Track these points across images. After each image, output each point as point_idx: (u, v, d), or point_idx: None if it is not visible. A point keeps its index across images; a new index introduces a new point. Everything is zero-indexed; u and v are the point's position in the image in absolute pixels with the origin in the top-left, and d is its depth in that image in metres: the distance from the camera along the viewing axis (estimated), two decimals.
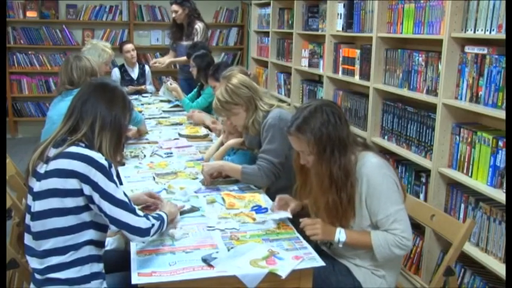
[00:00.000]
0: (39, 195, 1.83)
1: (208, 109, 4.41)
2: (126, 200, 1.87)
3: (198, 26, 5.60)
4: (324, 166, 2.02)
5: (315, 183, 2.09)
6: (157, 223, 1.96)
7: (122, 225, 1.84)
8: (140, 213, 1.92)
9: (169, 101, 5.18)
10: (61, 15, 7.03)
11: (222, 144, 3.16)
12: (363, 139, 3.77)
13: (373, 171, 2.01)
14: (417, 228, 3.08)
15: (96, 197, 1.80)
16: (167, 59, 5.87)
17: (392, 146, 3.47)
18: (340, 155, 2.01)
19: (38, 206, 1.83)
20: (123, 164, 3.08)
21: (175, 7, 5.67)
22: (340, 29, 4.33)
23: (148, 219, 1.92)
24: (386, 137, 3.60)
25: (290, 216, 2.25)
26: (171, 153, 3.38)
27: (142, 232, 1.88)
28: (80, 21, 7.07)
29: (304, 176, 2.20)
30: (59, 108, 3.00)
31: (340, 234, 2.06)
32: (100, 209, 1.82)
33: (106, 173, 1.82)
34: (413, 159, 3.19)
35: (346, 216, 2.05)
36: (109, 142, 1.90)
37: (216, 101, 2.84)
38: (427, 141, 3.11)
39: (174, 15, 5.71)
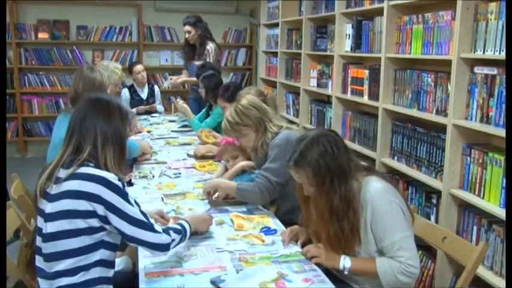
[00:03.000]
0: (51, 217, 1.82)
1: (217, 129, 4.41)
2: (144, 218, 1.87)
3: (210, 46, 5.65)
4: (323, 198, 2.00)
5: (315, 215, 2.07)
6: (177, 237, 1.97)
7: (141, 243, 1.86)
8: (159, 228, 1.92)
9: (183, 121, 5.18)
10: (72, 36, 7.11)
11: (226, 168, 3.18)
12: (372, 160, 3.76)
13: (377, 197, 1.97)
14: (429, 251, 3.04)
15: (113, 217, 1.80)
16: (180, 78, 5.88)
17: (402, 167, 3.44)
18: (340, 184, 1.98)
19: (50, 227, 1.82)
20: (132, 185, 3.08)
21: (188, 28, 5.71)
22: (349, 49, 4.33)
23: (168, 233, 1.93)
24: (396, 158, 3.57)
25: (300, 250, 2.22)
26: (180, 173, 3.38)
27: (163, 248, 1.91)
28: (90, 42, 7.14)
29: (309, 206, 2.17)
30: (60, 132, 3.00)
31: (345, 261, 2.03)
32: (117, 230, 1.82)
33: (121, 192, 1.82)
34: (423, 180, 3.16)
35: (349, 245, 2.02)
36: (113, 155, 1.90)
37: (225, 122, 2.85)
38: (437, 162, 3.08)
39: (187, 35, 5.75)
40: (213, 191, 2.78)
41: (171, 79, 5.95)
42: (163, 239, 1.90)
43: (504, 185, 2.53)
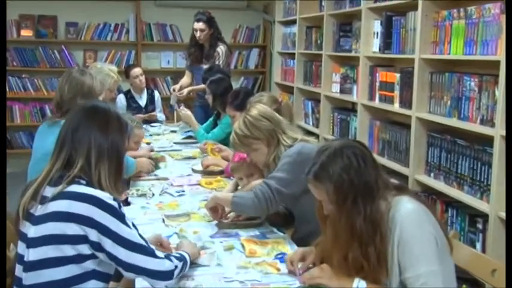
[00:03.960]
0: (34, 242, 1.81)
1: (225, 141, 4.39)
2: (143, 242, 1.87)
3: (221, 49, 5.66)
4: (343, 219, 1.97)
5: (330, 236, 2.06)
6: (180, 264, 1.96)
7: (141, 271, 1.84)
8: (160, 254, 1.92)
9: (187, 131, 5.18)
10: (60, 35, 7.15)
11: (237, 184, 3.17)
12: (404, 177, 3.74)
13: (407, 219, 1.94)
14: (475, 286, 2.97)
15: (107, 243, 1.79)
16: (185, 89, 5.82)
17: (440, 185, 3.41)
18: (365, 204, 1.95)
19: (33, 254, 1.81)
20: (128, 204, 3.08)
21: (201, 25, 5.69)
22: (377, 49, 4.33)
23: (170, 260, 1.93)
24: (432, 175, 3.54)
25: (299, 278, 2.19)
26: (183, 191, 3.37)
27: (165, 275, 1.89)
28: (81, 41, 7.18)
29: None
30: (45, 144, 2.99)
31: (360, 283, 1.98)
32: (113, 257, 1.81)
33: (117, 214, 1.82)
34: (466, 201, 3.12)
35: (375, 275, 1.97)
36: (108, 172, 1.91)
37: (233, 135, 2.87)
38: (482, 180, 3.05)
39: (198, 34, 5.74)
40: (221, 210, 2.79)
41: (174, 90, 5.88)
42: (166, 265, 1.89)
43: None
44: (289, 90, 6.60)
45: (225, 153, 4.01)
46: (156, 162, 3.92)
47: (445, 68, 3.53)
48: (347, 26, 5.07)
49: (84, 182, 1.87)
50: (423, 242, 1.91)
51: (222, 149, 4.12)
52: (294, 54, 6.31)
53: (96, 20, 7.21)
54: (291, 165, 2.67)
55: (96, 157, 1.89)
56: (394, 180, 2.15)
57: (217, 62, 5.57)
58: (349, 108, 5.12)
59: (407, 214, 1.94)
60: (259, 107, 2.92)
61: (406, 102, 3.87)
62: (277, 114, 2.93)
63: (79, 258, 1.80)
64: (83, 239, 1.78)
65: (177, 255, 2.02)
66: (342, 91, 5.09)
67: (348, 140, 2.13)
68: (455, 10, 3.32)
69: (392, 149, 4.04)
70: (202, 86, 5.38)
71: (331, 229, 2.04)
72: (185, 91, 5.77)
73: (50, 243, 1.78)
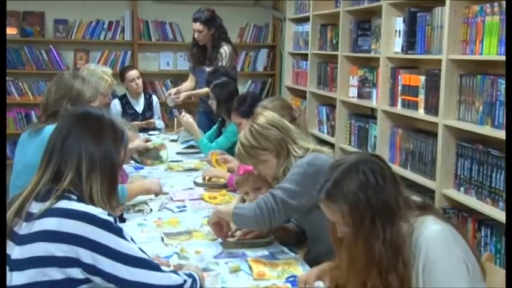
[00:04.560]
0: (19, 265, 1.80)
1: (231, 151, 4.36)
2: (145, 255, 1.87)
3: (224, 50, 5.67)
4: (360, 243, 1.96)
5: (345, 262, 2.03)
6: (189, 280, 1.96)
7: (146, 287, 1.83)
8: (165, 267, 1.94)
9: (188, 141, 5.19)
10: (48, 33, 7.16)
11: (244, 200, 3.17)
12: (431, 191, 3.72)
13: (432, 242, 1.92)
14: None
15: (104, 262, 1.78)
16: (182, 94, 5.84)
17: (471, 201, 3.39)
18: (384, 227, 1.94)
19: (17, 278, 1.79)
20: (124, 221, 3.07)
21: (199, 26, 5.72)
22: (399, 50, 4.33)
23: (177, 273, 1.94)
24: (462, 189, 3.53)
25: None
26: (185, 206, 3.38)
27: None
28: (72, 40, 7.20)
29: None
30: (26, 154, 2.99)
31: None
32: (112, 277, 1.80)
33: (113, 229, 1.82)
34: (502, 219, 3.09)
35: None
36: (100, 186, 1.90)
37: (239, 146, 2.86)
38: None
39: (196, 35, 5.77)
40: (226, 227, 2.79)
41: (169, 95, 5.90)
42: (174, 279, 1.90)
43: None
44: (301, 94, 6.60)
45: (231, 164, 4.00)
46: (156, 153, 3.85)
47: (477, 70, 3.51)
48: (366, 23, 5.07)
49: (74, 197, 1.87)
50: (452, 268, 1.89)
51: (228, 159, 4.11)
52: (306, 55, 6.31)
53: (88, 17, 7.23)
54: (301, 176, 2.66)
55: (87, 169, 1.89)
56: (416, 198, 2.13)
57: (220, 64, 5.57)
58: (368, 115, 5.11)
59: (432, 237, 1.93)
60: (266, 114, 2.93)
61: (432, 108, 3.86)
62: (286, 122, 2.94)
63: (69, 283, 1.78)
64: (74, 262, 1.77)
65: (186, 272, 2.03)
66: (360, 96, 5.08)
67: (365, 154, 2.11)
68: (488, 5, 3.31)
69: (417, 160, 4.02)
70: (205, 89, 5.40)
71: (347, 254, 2.02)
72: (182, 95, 5.78)
73: (36, 266, 1.77)
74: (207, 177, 3.88)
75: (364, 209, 1.94)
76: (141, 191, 3.38)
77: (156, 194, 3.47)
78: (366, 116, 5.10)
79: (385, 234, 1.92)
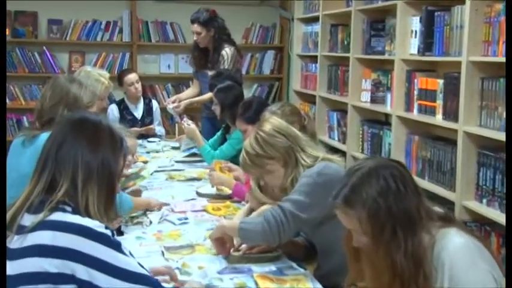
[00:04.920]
0: (9, 282, 1.79)
1: (235, 160, 4.35)
2: (145, 271, 1.88)
3: (226, 52, 5.65)
4: (381, 252, 1.96)
5: (369, 276, 2.04)
6: None
7: None
8: (166, 284, 1.97)
9: (190, 148, 5.19)
10: (41, 34, 7.18)
11: (252, 210, 3.16)
12: (450, 203, 3.71)
13: (456, 256, 1.91)
14: None
15: (100, 279, 1.78)
16: (182, 103, 5.78)
17: (494, 214, 3.38)
18: (406, 237, 1.94)
19: None
20: (121, 234, 3.07)
21: (197, 28, 5.71)
22: (415, 51, 4.33)
23: None
24: (484, 201, 3.52)
25: None
26: (187, 218, 3.37)
27: None
28: (66, 41, 7.22)
29: (358, 261, 2.14)
30: (21, 163, 2.99)
31: None
32: None
33: (110, 242, 1.82)
34: None
35: None
36: (97, 197, 1.90)
37: (244, 155, 2.85)
38: None
39: (195, 37, 5.78)
40: (229, 243, 2.78)
41: (168, 104, 5.83)
42: None
43: None
44: (310, 99, 6.61)
45: (236, 173, 4.00)
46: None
47: (499, 73, 3.48)
48: (379, 23, 5.07)
49: (69, 208, 1.86)
50: (479, 282, 1.89)
51: (232, 168, 4.11)
52: (316, 57, 6.32)
53: (84, 16, 7.25)
54: (310, 187, 2.66)
55: (84, 178, 1.89)
56: (438, 209, 2.13)
57: (222, 67, 5.56)
58: (381, 121, 5.12)
59: (456, 251, 1.92)
60: (273, 120, 2.93)
61: (451, 114, 3.85)
62: (294, 129, 2.93)
63: None
64: (68, 279, 1.76)
65: None
66: (373, 100, 5.08)
67: (384, 159, 2.11)
68: None
69: (435, 169, 4.01)
70: (207, 95, 5.39)
71: (370, 268, 2.02)
72: (182, 104, 5.74)
73: (28, 282, 1.76)
74: (214, 183, 3.88)
75: (384, 217, 1.94)
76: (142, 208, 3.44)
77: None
78: (379, 122, 5.10)
79: (406, 245, 1.92)
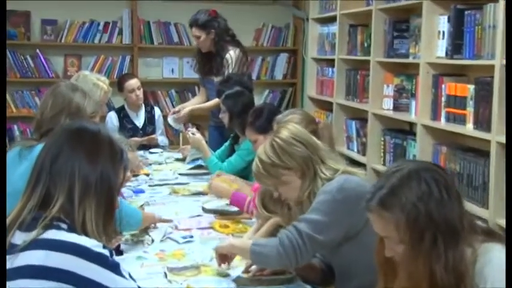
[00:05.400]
0: None
1: (245, 173, 4.42)
2: None
3: (230, 55, 5.62)
4: (420, 263, 1.95)
5: (406, 284, 2.02)
6: None
7: None
8: None
9: (196, 160, 5.18)
10: (34, 35, 7.20)
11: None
12: (485, 222, 3.67)
13: (502, 274, 1.90)
14: None
15: None
16: (183, 110, 5.75)
17: None
18: (447, 248, 1.93)
19: None
20: (121, 253, 3.06)
21: (196, 31, 5.71)
22: (443, 54, 4.32)
23: None
24: None
25: None
26: (192, 237, 3.38)
27: None
28: (62, 43, 7.25)
29: (391, 275, 2.12)
30: (14, 177, 2.98)
31: None
32: None
33: (108, 264, 1.81)
34: None
35: None
36: (95, 213, 1.90)
37: (257, 163, 2.82)
38: None
39: (196, 41, 5.81)
40: (232, 258, 2.80)
41: (173, 113, 5.78)
42: None
43: None
44: (327, 106, 6.60)
45: (238, 185, 4.03)
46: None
47: None
48: (403, 23, 5.07)
49: (64, 226, 1.85)
50: None
51: (233, 180, 4.14)
52: (333, 60, 6.32)
53: (81, 17, 7.28)
54: (329, 205, 2.64)
55: (81, 193, 1.88)
56: (479, 222, 2.15)
57: (226, 72, 5.53)
58: (405, 130, 5.10)
59: (501, 268, 1.91)
60: (291, 127, 2.90)
61: (482, 123, 3.84)
62: (314, 138, 2.91)
63: None
64: None
65: None
66: (396, 108, 5.08)
67: (426, 162, 2.12)
68: None
69: (465, 184, 3.99)
70: (213, 101, 5.39)
71: (407, 280, 2.01)
72: (183, 112, 5.72)
73: None
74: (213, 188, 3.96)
75: (425, 224, 1.94)
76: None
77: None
78: (403, 131, 5.08)
79: (447, 256, 1.92)
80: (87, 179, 1.90)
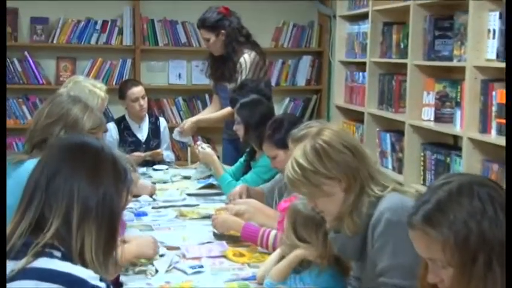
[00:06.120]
0: None
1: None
2: None
3: (244, 58, 5.64)
4: (473, 286, 1.93)
5: None
6: None
7: None
8: None
9: (206, 178, 5.17)
10: (22, 35, 7.27)
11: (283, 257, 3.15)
12: None
13: None
14: None
15: None
16: (188, 121, 5.81)
17: None
18: (504, 272, 1.91)
19: None
20: (121, 286, 3.04)
21: (204, 33, 5.75)
22: (493, 56, 4.30)
23: None
24: None
25: None
26: (201, 266, 3.38)
27: None
28: (54, 45, 7.31)
29: None
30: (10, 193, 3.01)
31: None
32: None
33: None
34: None
35: None
36: (95, 240, 1.91)
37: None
38: None
39: (206, 44, 5.84)
40: None
41: (180, 129, 5.81)
42: None
43: None
44: (357, 117, 6.60)
45: (247, 215, 3.92)
46: None
47: None
48: (446, 21, 5.04)
49: (58, 253, 1.86)
50: None
51: (245, 210, 4.08)
52: (364, 63, 6.32)
53: (76, 14, 7.34)
54: (402, 235, 2.42)
55: (80, 217, 1.89)
56: None
57: (240, 79, 5.54)
58: (449, 145, 5.09)
59: None
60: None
61: None
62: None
63: None
64: None
65: None
66: (438, 119, 5.04)
67: (479, 176, 2.09)
68: None
69: None
70: (225, 111, 5.41)
71: None
72: (188, 122, 5.76)
73: None
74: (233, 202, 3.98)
75: (477, 244, 1.92)
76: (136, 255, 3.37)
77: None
78: (446, 146, 5.06)
79: (503, 282, 1.91)
80: (87, 202, 1.92)
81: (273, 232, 3.46)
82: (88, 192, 1.92)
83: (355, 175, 2.72)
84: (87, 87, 4.28)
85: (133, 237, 3.59)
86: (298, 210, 2.95)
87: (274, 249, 3.31)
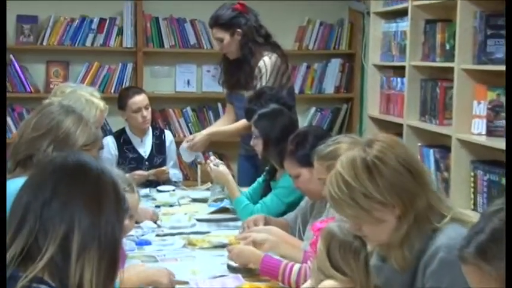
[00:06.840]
0: None
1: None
2: None
3: (264, 61, 5.62)
4: None
5: None
6: None
7: None
8: None
9: (219, 201, 5.17)
10: (7, 36, 7.24)
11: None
12: None
13: None
14: None
15: None
16: (198, 135, 5.79)
17: None
18: None
19: None
20: None
21: (217, 32, 5.75)
22: None
23: None
24: None
25: None
26: None
27: None
28: (43, 47, 7.35)
29: None
30: None
31: None
32: None
33: None
34: None
35: None
36: (96, 272, 1.92)
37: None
38: None
39: (218, 46, 5.84)
40: None
41: (187, 142, 5.80)
42: None
43: None
44: (394, 129, 6.50)
45: (267, 245, 3.92)
46: None
47: None
48: (499, 18, 5.01)
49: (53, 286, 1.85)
50: None
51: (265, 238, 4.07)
52: (403, 68, 6.32)
53: (69, 12, 7.39)
54: (459, 277, 2.39)
55: (80, 247, 1.89)
56: None
57: (259, 85, 5.52)
58: (504, 163, 4.98)
59: None
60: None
61: None
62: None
63: None
64: None
65: None
66: (490, 132, 5.00)
67: None
68: None
69: None
70: (241, 123, 5.38)
71: None
72: (198, 137, 5.74)
73: None
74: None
75: None
76: (142, 284, 3.38)
77: None
78: (500, 164, 4.99)
79: None
80: (88, 231, 1.92)
81: (297, 266, 3.44)
82: (89, 221, 1.93)
83: (412, 201, 2.68)
84: (84, 96, 4.29)
85: (137, 266, 3.60)
86: (334, 234, 2.87)
87: (298, 287, 3.27)
